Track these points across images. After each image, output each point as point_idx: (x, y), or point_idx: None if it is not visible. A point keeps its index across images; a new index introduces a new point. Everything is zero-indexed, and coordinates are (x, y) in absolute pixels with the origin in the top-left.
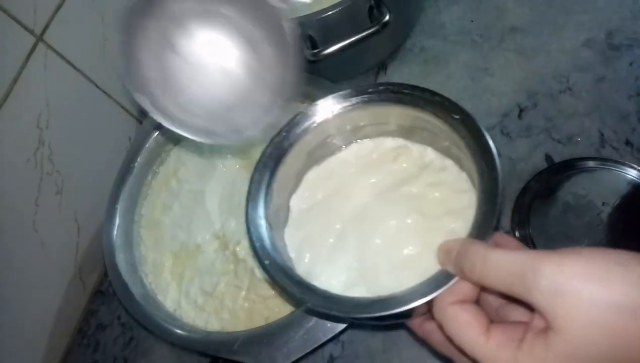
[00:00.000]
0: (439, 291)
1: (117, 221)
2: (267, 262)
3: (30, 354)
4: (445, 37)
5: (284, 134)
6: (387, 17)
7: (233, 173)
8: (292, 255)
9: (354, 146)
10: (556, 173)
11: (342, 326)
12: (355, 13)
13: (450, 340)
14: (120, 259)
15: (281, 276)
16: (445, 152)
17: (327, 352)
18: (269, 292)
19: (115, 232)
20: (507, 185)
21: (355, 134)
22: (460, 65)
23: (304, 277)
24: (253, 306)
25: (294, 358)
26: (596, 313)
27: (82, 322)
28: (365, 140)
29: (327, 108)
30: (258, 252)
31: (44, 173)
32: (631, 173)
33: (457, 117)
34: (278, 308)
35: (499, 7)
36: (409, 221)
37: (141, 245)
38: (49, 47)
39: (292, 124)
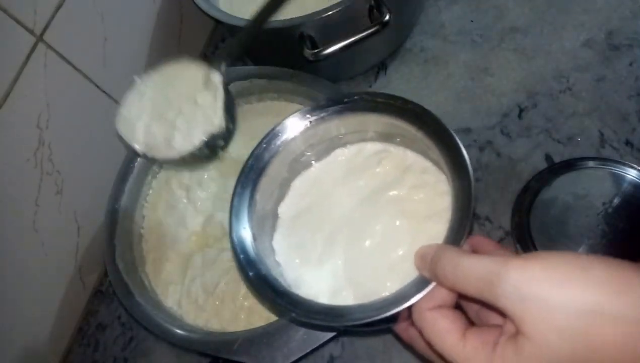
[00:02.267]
0: (416, 297)
1: (117, 221)
2: (250, 274)
3: (30, 354)
4: (445, 37)
5: (264, 146)
6: (387, 17)
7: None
8: (281, 261)
9: (337, 152)
10: (556, 173)
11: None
12: (355, 13)
13: (429, 345)
14: (120, 259)
15: (265, 288)
16: (425, 155)
17: (327, 352)
18: None
19: (115, 232)
20: (507, 185)
21: (336, 142)
22: (460, 65)
23: (293, 282)
24: (254, 305)
25: (294, 358)
26: (559, 317)
27: (82, 322)
28: (347, 146)
29: (305, 119)
30: (242, 264)
31: (44, 173)
32: (631, 173)
33: (430, 124)
34: None
35: (499, 7)
36: (397, 223)
37: (142, 245)
38: (49, 47)
39: (271, 135)
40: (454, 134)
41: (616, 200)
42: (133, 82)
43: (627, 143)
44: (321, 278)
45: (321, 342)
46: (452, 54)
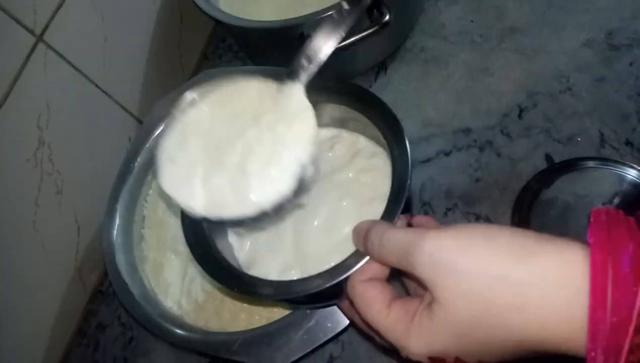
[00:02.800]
0: (350, 271)
1: (117, 221)
2: (199, 253)
3: (30, 354)
4: (445, 37)
5: None
6: (387, 17)
7: None
8: (233, 243)
9: None
10: (556, 173)
11: (343, 326)
12: None
13: (359, 315)
14: (120, 259)
15: (212, 266)
16: (376, 140)
17: (327, 352)
18: None
19: (115, 232)
20: (507, 185)
21: None
22: (460, 65)
23: (244, 263)
24: (254, 305)
25: (294, 358)
26: (465, 282)
27: (82, 322)
28: None
29: None
30: (191, 244)
31: (44, 173)
32: (631, 173)
33: (374, 106)
34: (277, 308)
35: (499, 7)
36: (344, 204)
37: (142, 245)
38: (49, 47)
39: None
40: (396, 115)
41: (616, 200)
42: (169, 118)
43: (627, 143)
44: (271, 258)
45: (321, 341)
46: (452, 54)
